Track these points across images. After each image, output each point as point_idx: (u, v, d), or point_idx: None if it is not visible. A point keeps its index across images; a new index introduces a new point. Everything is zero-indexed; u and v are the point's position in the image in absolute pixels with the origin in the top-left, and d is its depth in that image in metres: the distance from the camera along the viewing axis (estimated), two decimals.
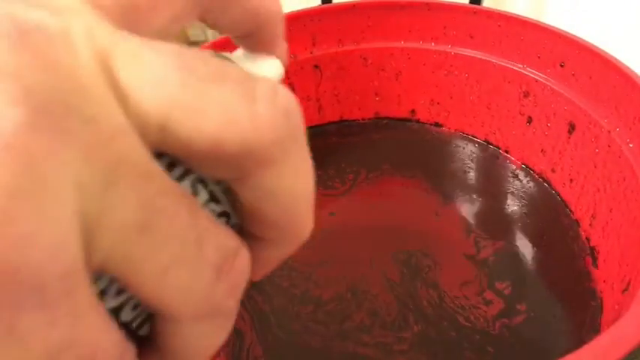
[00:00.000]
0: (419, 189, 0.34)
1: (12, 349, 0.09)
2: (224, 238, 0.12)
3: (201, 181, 0.12)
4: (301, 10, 0.33)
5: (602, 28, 0.45)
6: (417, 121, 0.37)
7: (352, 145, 0.37)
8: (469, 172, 0.35)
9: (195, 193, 0.12)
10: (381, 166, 0.35)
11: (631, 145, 0.27)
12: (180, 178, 0.12)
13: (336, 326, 0.27)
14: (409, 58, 0.35)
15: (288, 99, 0.12)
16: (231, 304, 0.12)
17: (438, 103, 0.36)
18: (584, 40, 0.29)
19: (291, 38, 0.33)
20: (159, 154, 0.11)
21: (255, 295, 0.29)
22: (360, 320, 0.27)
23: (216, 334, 0.12)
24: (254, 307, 0.28)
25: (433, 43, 0.35)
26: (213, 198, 0.13)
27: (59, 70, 0.09)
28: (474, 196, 0.33)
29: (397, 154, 0.36)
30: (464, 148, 0.36)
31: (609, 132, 0.28)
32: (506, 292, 0.28)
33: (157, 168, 0.10)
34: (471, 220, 0.32)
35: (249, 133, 0.11)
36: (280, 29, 0.17)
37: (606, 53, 0.28)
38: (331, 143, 0.37)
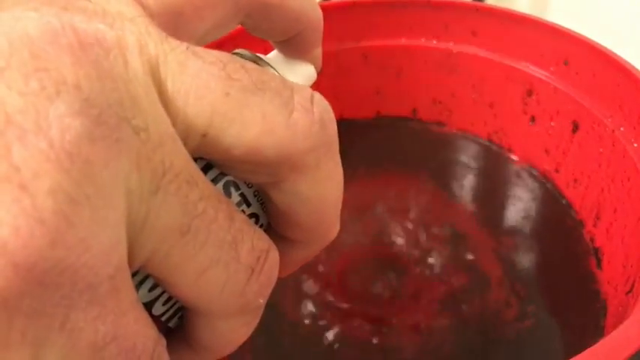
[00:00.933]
0: (420, 189, 0.34)
1: (62, 343, 0.09)
2: (257, 239, 0.12)
3: (234, 184, 0.13)
4: None
5: (606, 25, 0.44)
6: (419, 120, 0.37)
7: (353, 144, 0.36)
8: (471, 171, 0.34)
9: (228, 194, 0.13)
10: (381, 165, 0.35)
11: (635, 145, 0.26)
12: (214, 181, 0.13)
13: (333, 328, 0.27)
14: (410, 57, 0.35)
15: (323, 108, 0.13)
16: (260, 302, 0.12)
17: (440, 102, 0.36)
18: (587, 38, 0.29)
19: None
20: (196, 158, 0.12)
21: None
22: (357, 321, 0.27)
23: (243, 329, 0.13)
24: None
25: (435, 41, 0.34)
26: (244, 200, 0.13)
27: (113, 82, 0.10)
28: (476, 196, 0.33)
29: (398, 154, 0.36)
30: (466, 148, 0.36)
31: (613, 131, 0.28)
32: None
33: (199, 174, 0.11)
34: (473, 220, 0.31)
35: (286, 141, 0.11)
36: (319, 36, 0.18)
37: (610, 51, 0.28)
38: None
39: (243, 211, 0.13)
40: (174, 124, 0.11)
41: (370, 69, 0.36)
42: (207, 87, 0.11)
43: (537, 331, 0.26)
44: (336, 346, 0.26)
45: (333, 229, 0.14)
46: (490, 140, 0.36)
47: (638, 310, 0.16)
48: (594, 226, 0.29)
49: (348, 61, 0.35)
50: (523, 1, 0.60)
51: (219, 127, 0.11)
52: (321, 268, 0.29)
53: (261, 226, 0.14)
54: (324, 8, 0.34)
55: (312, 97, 0.12)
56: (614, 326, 0.20)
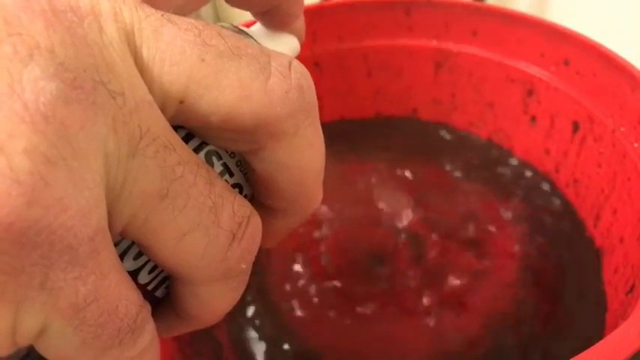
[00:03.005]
0: (420, 189, 0.34)
1: (42, 301, 0.09)
2: (238, 205, 0.12)
3: (216, 153, 0.13)
4: None
5: (606, 25, 0.44)
6: (419, 120, 0.37)
7: (353, 144, 0.36)
8: (472, 171, 0.34)
9: (210, 164, 0.13)
10: (382, 165, 0.35)
11: (635, 145, 0.26)
12: (196, 150, 0.13)
13: (329, 333, 0.27)
14: (410, 56, 0.35)
15: (301, 74, 0.13)
16: (243, 267, 0.13)
17: (440, 102, 0.36)
18: (588, 38, 0.29)
19: None
20: (176, 127, 0.12)
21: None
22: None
23: (229, 295, 0.13)
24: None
25: (435, 41, 0.34)
26: (227, 170, 0.13)
27: (88, 48, 0.10)
28: (477, 196, 0.33)
29: (398, 154, 0.35)
30: (466, 148, 0.36)
31: (613, 131, 0.28)
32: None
33: (177, 139, 0.11)
34: (473, 220, 0.31)
35: (263, 107, 0.12)
36: (299, 7, 0.18)
37: (611, 51, 0.28)
38: (331, 142, 0.36)
39: (226, 180, 0.13)
40: (150, 91, 0.11)
41: (370, 69, 0.36)
42: (183, 53, 0.11)
43: (537, 331, 0.26)
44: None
45: (315, 199, 0.14)
46: (490, 140, 0.36)
47: (638, 310, 0.16)
48: (594, 226, 0.29)
49: (348, 61, 0.35)
50: (523, 1, 0.60)
51: (196, 93, 0.11)
52: (320, 268, 0.29)
53: (245, 196, 0.14)
54: (324, 8, 0.34)
55: (289, 63, 0.12)
56: (614, 326, 0.20)
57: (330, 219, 0.32)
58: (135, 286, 0.11)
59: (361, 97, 0.37)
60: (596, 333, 0.25)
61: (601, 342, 0.15)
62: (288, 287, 0.29)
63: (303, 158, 0.13)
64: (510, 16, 0.31)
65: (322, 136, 0.14)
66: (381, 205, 0.33)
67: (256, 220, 0.13)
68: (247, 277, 0.13)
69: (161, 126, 0.11)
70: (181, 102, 0.11)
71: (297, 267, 0.29)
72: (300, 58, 0.36)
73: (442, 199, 0.33)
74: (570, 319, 0.26)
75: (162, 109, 0.11)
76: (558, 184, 0.32)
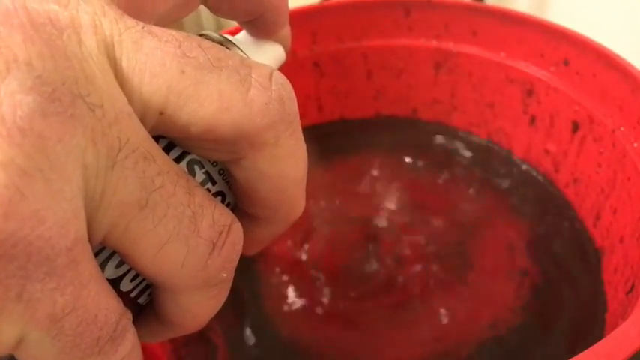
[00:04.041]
0: (420, 188, 0.34)
1: (19, 312, 0.09)
2: (218, 214, 0.12)
3: (198, 162, 0.13)
4: (301, 7, 0.32)
5: (606, 25, 0.44)
6: (419, 120, 0.37)
7: (353, 144, 0.36)
8: (471, 171, 0.34)
9: (192, 173, 0.13)
10: (381, 164, 0.35)
11: (635, 145, 0.26)
12: (177, 160, 0.13)
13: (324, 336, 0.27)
14: (410, 56, 0.35)
15: (282, 85, 0.13)
16: (224, 275, 0.13)
17: (440, 102, 0.36)
18: (588, 38, 0.29)
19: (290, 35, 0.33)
20: (157, 137, 0.12)
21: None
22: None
23: (210, 303, 0.13)
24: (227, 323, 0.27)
25: (435, 41, 0.34)
26: (209, 178, 0.13)
27: (67, 60, 0.10)
28: (477, 197, 0.33)
29: (398, 154, 0.35)
30: (466, 148, 0.36)
31: (613, 131, 0.28)
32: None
33: (157, 150, 0.11)
34: (472, 219, 0.31)
35: (243, 119, 0.12)
36: (284, 16, 0.18)
37: (610, 51, 0.28)
38: (331, 142, 0.36)
39: (208, 189, 0.13)
40: (130, 102, 0.11)
41: (370, 69, 0.36)
42: (163, 65, 0.11)
43: (536, 331, 0.26)
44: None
45: (297, 207, 0.14)
46: (490, 140, 0.36)
47: (638, 310, 0.16)
48: (594, 226, 0.29)
49: (348, 61, 0.35)
50: (523, 1, 0.60)
51: (176, 104, 0.11)
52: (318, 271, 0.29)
53: (227, 205, 0.14)
54: (324, 8, 0.34)
55: (270, 74, 0.12)
56: (614, 326, 0.20)
57: (330, 218, 0.32)
58: (115, 294, 0.11)
59: (361, 97, 0.37)
60: (596, 333, 0.25)
61: (601, 342, 0.15)
62: (283, 291, 0.29)
63: (284, 168, 0.13)
64: (510, 16, 0.31)
65: (304, 145, 0.14)
66: (381, 204, 0.33)
67: (237, 229, 0.13)
68: (229, 285, 0.13)
69: (141, 137, 0.11)
70: (161, 113, 0.11)
71: (293, 270, 0.29)
72: (300, 58, 0.36)
73: (442, 199, 0.33)
74: (570, 319, 0.26)
75: (143, 120, 0.11)
76: (558, 184, 0.32)
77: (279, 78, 0.13)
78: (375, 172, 0.35)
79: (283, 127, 0.12)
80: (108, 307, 0.11)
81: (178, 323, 0.13)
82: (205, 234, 0.12)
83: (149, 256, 0.11)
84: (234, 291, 0.29)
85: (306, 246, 0.30)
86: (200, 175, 0.13)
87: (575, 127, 0.30)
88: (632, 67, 0.26)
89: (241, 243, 0.13)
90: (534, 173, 0.33)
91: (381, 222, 0.32)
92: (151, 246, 0.11)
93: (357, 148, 0.36)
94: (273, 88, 0.12)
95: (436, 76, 0.35)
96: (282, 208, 0.14)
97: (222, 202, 0.14)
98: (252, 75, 0.12)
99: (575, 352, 0.14)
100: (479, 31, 0.33)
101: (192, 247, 0.12)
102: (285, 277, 0.29)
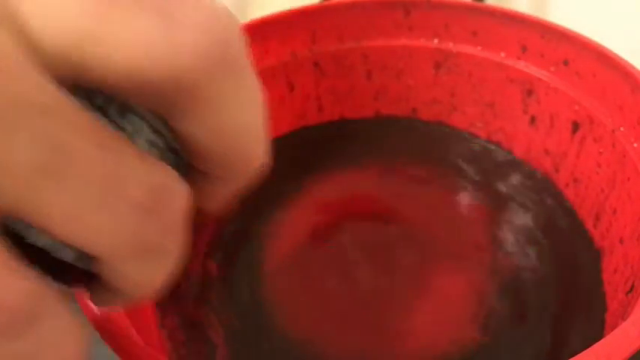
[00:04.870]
0: (419, 188, 0.34)
1: None
2: (154, 175, 0.11)
3: (145, 118, 0.11)
4: (301, 7, 0.32)
5: (606, 25, 0.44)
6: (419, 120, 0.37)
7: (353, 144, 0.36)
8: (471, 171, 0.34)
9: (138, 130, 0.11)
10: (381, 164, 0.35)
11: (635, 145, 0.26)
12: (120, 115, 0.11)
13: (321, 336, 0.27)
14: (410, 56, 0.35)
15: (223, 25, 0.11)
16: (167, 242, 0.11)
17: (440, 102, 0.36)
18: (588, 38, 0.29)
19: (290, 35, 0.33)
20: (95, 91, 0.11)
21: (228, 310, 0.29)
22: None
23: (156, 270, 0.12)
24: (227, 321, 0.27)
25: (435, 41, 0.34)
26: (160, 135, 0.12)
27: None
28: (476, 197, 0.33)
29: (398, 154, 0.35)
30: (466, 148, 0.36)
31: (613, 131, 0.28)
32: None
33: (60, 103, 0.10)
34: (472, 219, 0.31)
35: (169, 62, 0.10)
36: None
37: (610, 51, 0.28)
38: (331, 143, 0.36)
39: (158, 146, 0.12)
40: (31, 52, 0.09)
41: (370, 69, 0.36)
42: (66, 8, 0.10)
43: (536, 331, 0.26)
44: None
45: (254, 159, 0.13)
46: (490, 140, 0.36)
47: (638, 310, 0.16)
48: (594, 226, 0.29)
49: (348, 61, 0.35)
50: (523, 1, 0.60)
51: (86, 50, 0.10)
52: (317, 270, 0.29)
53: (182, 164, 0.13)
54: (324, 8, 0.34)
55: (213, 11, 0.11)
56: (614, 326, 0.20)
57: (330, 217, 0.32)
58: (27, 274, 0.10)
59: (361, 97, 0.37)
60: (596, 333, 0.25)
61: (601, 342, 0.15)
62: (285, 287, 0.29)
63: (234, 118, 0.11)
64: (510, 16, 0.31)
65: (257, 91, 0.12)
66: (381, 204, 0.33)
67: (179, 189, 0.11)
68: (177, 249, 0.12)
69: (39, 92, 0.09)
70: (71, 61, 0.10)
71: (295, 266, 0.30)
72: (299, 58, 0.36)
73: (441, 199, 0.33)
74: (570, 319, 0.26)
75: (53, 69, 0.10)
76: (558, 184, 0.32)
77: (224, 15, 0.11)
78: (374, 172, 0.35)
79: (226, 72, 0.11)
80: (16, 289, 0.09)
81: (123, 292, 0.12)
82: (136, 198, 0.10)
83: (66, 227, 0.10)
84: (234, 290, 0.30)
85: (307, 243, 0.30)
86: (147, 133, 0.11)
87: (575, 127, 0.30)
88: (632, 67, 0.26)
89: (186, 206, 0.11)
90: (534, 173, 0.33)
91: (380, 221, 0.32)
92: (64, 216, 0.10)
93: (357, 147, 0.36)
94: (209, 28, 0.10)
95: (436, 76, 0.35)
96: (237, 164, 0.13)
97: (177, 160, 0.12)
98: (178, 12, 0.10)
99: (574, 353, 0.14)
100: (479, 31, 0.33)
101: (118, 215, 0.10)
102: (285, 277, 0.29)
